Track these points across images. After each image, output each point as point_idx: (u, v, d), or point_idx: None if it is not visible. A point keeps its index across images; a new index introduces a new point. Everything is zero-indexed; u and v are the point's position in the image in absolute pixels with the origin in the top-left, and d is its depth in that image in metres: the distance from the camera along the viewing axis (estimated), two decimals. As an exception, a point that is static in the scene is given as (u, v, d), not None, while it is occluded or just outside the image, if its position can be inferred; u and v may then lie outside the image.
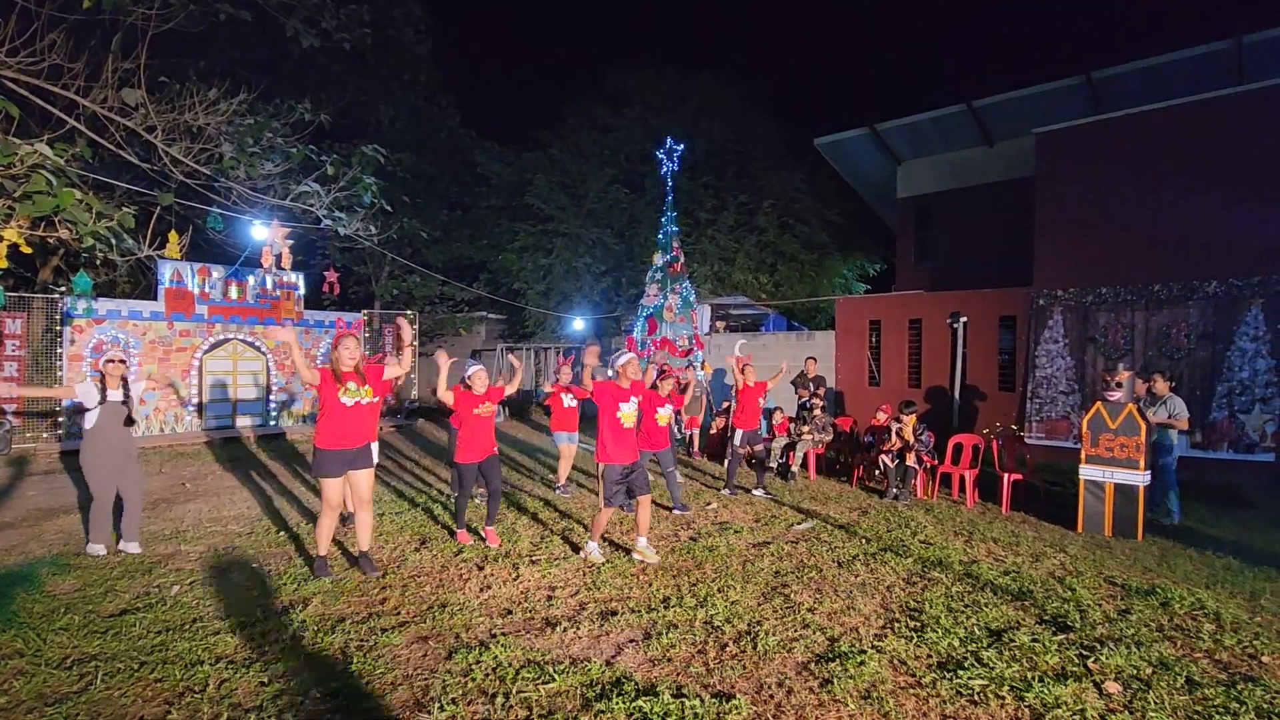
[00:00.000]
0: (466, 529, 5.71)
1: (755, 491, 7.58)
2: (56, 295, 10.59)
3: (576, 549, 5.41)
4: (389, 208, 9.54)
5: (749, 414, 7.83)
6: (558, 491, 7.52)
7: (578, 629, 3.88)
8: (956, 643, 3.72)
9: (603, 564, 5.04)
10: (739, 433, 7.79)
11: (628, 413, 5.18)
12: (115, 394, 5.20)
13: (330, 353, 4.73)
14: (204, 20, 8.03)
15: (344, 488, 4.81)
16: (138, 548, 5.28)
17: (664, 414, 6.52)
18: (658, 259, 12.30)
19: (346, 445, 4.63)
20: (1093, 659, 3.53)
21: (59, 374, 10.23)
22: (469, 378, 5.70)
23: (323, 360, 13.13)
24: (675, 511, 6.64)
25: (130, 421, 5.29)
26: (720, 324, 15.31)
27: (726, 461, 7.88)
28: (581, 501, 7.18)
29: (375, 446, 6.17)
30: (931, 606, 4.23)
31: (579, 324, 16.59)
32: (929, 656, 3.57)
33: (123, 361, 5.35)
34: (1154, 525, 6.33)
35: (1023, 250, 10.41)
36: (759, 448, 7.78)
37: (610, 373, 5.40)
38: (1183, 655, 3.62)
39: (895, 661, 3.51)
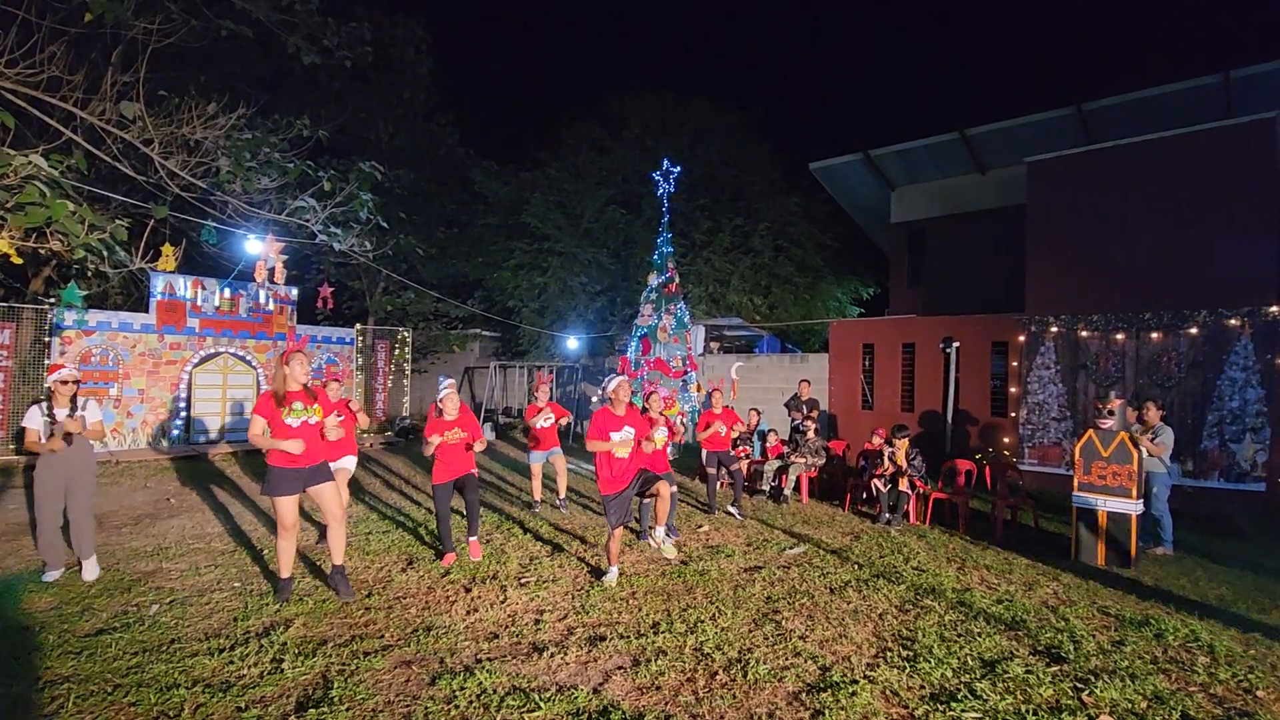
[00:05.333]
0: (453, 550, 5.61)
1: (730, 509, 7.57)
2: (46, 306, 10.52)
3: (590, 563, 5.34)
4: (385, 224, 9.54)
5: (714, 436, 7.83)
6: (534, 510, 7.50)
7: (565, 654, 3.80)
8: (950, 673, 3.67)
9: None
10: (703, 453, 7.87)
11: (620, 441, 5.19)
12: (61, 413, 4.89)
13: (278, 368, 4.55)
14: (205, 36, 8.07)
15: (298, 507, 4.64)
16: (95, 569, 4.96)
17: (659, 437, 6.39)
18: (653, 279, 12.33)
19: (299, 464, 4.51)
20: (1087, 692, 3.49)
21: (45, 385, 10.12)
22: (440, 400, 5.56)
23: (312, 377, 13.04)
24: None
25: (66, 439, 4.87)
26: (714, 345, 15.31)
27: (718, 483, 7.88)
28: (573, 521, 7.10)
29: (353, 460, 6.10)
30: (924, 635, 4.18)
31: (573, 343, 16.56)
32: (921, 687, 3.52)
33: (75, 382, 5.01)
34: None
35: (1015, 276, 10.48)
36: (734, 468, 7.78)
37: (597, 399, 5.38)
38: (1177, 689, 3.58)
39: (888, 692, 3.46)
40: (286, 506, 4.54)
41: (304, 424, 4.53)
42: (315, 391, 4.72)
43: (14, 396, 10.10)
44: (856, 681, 3.53)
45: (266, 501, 7.82)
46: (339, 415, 4.78)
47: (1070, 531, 6.27)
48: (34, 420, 4.84)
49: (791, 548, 6.27)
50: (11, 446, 9.95)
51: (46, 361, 10.22)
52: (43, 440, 4.78)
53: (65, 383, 4.94)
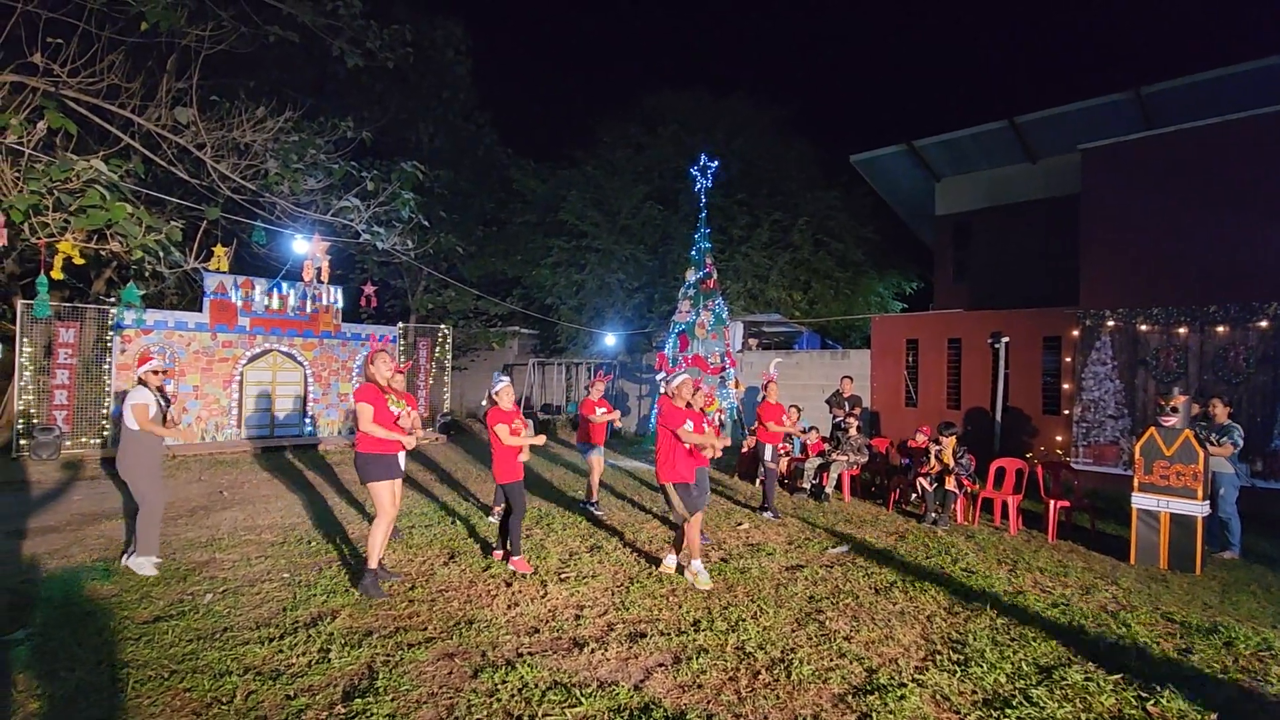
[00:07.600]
0: (523, 557, 5.38)
1: (765, 514, 7.40)
2: (108, 306, 10.97)
3: (628, 559, 5.33)
4: (426, 223, 9.67)
5: (765, 431, 7.71)
6: (590, 508, 7.44)
7: (606, 650, 3.79)
8: (1003, 679, 3.53)
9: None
10: (768, 448, 7.67)
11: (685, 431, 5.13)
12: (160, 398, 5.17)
13: (366, 368, 4.79)
14: (254, 42, 8.28)
15: (392, 492, 4.72)
16: (152, 568, 4.97)
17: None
18: (690, 275, 12.24)
19: (392, 450, 4.71)
20: (1152, 701, 3.32)
21: (107, 383, 10.59)
22: (496, 393, 5.50)
23: (358, 373, 13.34)
24: None
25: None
26: (753, 341, 15.15)
27: (760, 481, 7.72)
28: (612, 517, 7.09)
29: (403, 456, 6.17)
30: (975, 639, 4.04)
31: (611, 339, 16.59)
32: (974, 693, 3.40)
33: (164, 372, 5.27)
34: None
35: (1067, 269, 10.09)
36: (770, 467, 7.62)
37: (663, 390, 5.27)
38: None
39: (938, 697, 3.34)
40: (384, 492, 4.64)
41: (399, 415, 4.74)
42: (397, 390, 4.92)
43: (78, 394, 10.55)
44: (905, 685, 3.43)
45: (312, 495, 8.02)
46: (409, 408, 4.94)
47: (1129, 533, 6.01)
48: (145, 396, 4.97)
49: (834, 547, 6.15)
50: (84, 439, 10.40)
51: (109, 360, 10.66)
52: (151, 415, 4.94)
53: (157, 372, 5.17)
